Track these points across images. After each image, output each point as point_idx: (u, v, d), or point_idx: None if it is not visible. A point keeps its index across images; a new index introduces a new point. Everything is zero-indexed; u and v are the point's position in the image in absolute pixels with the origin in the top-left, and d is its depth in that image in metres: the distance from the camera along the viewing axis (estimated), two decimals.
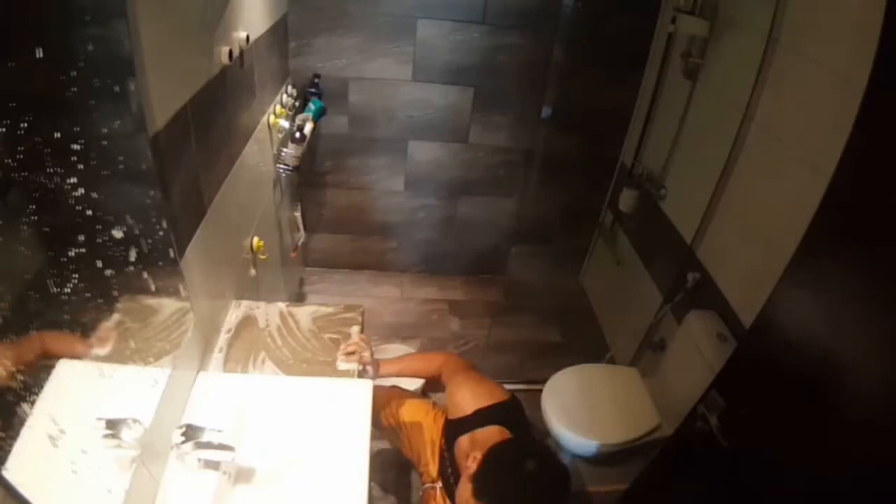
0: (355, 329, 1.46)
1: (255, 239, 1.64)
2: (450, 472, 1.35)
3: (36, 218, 0.68)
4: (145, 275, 0.92)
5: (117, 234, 0.83)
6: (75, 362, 0.76)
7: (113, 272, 0.83)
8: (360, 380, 1.29)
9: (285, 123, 1.90)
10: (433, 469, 1.41)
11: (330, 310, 1.52)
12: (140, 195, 0.91)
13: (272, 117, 1.85)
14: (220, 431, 0.95)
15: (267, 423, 1.14)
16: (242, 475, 1.03)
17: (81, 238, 0.75)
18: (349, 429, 1.15)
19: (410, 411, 1.50)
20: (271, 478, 1.04)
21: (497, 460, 1.13)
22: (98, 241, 0.78)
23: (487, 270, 3.05)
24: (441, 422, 1.45)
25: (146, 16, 0.84)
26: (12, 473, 0.59)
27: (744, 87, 1.69)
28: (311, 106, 2.12)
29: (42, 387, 0.68)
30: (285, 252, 2.32)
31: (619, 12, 2.29)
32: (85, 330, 0.79)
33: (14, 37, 0.61)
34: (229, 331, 1.40)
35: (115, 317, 0.87)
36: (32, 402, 0.65)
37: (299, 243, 2.55)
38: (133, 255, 0.87)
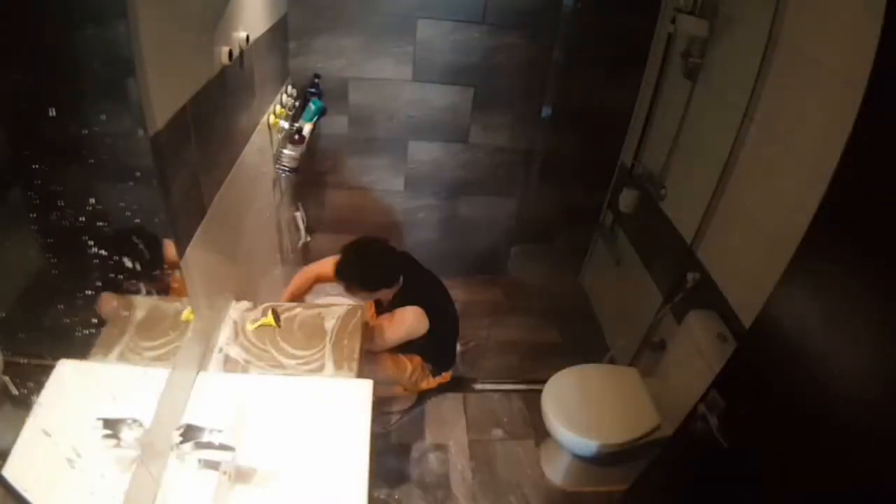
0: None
1: None
2: None
3: (36, 218, 0.68)
4: (145, 275, 0.91)
5: (117, 234, 0.83)
6: (75, 362, 0.76)
7: (113, 272, 0.83)
8: (361, 380, 1.29)
9: (285, 124, 1.91)
10: None
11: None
12: (140, 195, 0.91)
13: (272, 117, 1.85)
14: (219, 431, 0.95)
15: (267, 423, 1.14)
16: (242, 475, 1.03)
17: (81, 238, 0.75)
18: (349, 429, 1.15)
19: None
20: (271, 478, 1.04)
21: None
22: (98, 240, 0.78)
23: (487, 270, 3.05)
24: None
25: (146, 16, 0.84)
26: (12, 473, 0.59)
27: (744, 87, 1.69)
28: (311, 106, 2.12)
29: (42, 386, 0.67)
30: (285, 252, 2.32)
31: (618, 12, 2.29)
32: (85, 329, 0.79)
33: (15, 37, 0.61)
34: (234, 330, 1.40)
35: (115, 317, 0.87)
36: (33, 402, 0.65)
37: (300, 245, 2.55)
38: (133, 255, 0.87)
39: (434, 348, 2.06)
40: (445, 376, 2.17)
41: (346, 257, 1.82)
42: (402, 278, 1.89)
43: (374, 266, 1.81)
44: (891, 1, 0.82)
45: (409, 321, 1.84)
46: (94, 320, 0.80)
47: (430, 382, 2.14)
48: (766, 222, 1.61)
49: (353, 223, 2.81)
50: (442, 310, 2.03)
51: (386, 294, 1.91)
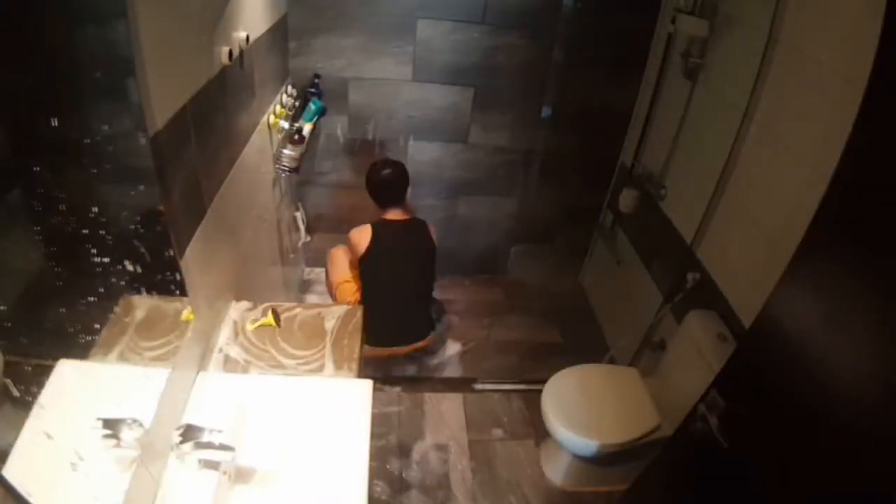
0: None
1: None
2: None
3: (36, 218, 0.68)
4: (145, 275, 0.91)
5: (117, 233, 0.83)
6: (75, 362, 0.76)
7: (113, 272, 0.83)
8: (361, 380, 1.29)
9: (285, 124, 1.91)
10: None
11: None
12: (140, 195, 0.91)
13: (272, 117, 1.85)
14: (219, 431, 0.95)
15: (267, 423, 1.14)
16: (242, 475, 1.03)
17: (81, 238, 0.75)
18: (349, 429, 1.15)
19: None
20: (271, 478, 1.04)
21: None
22: (98, 241, 0.78)
23: (487, 270, 3.05)
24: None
25: (146, 16, 0.84)
26: (12, 473, 0.59)
27: (744, 87, 1.69)
28: (311, 106, 2.12)
29: (42, 386, 0.67)
30: (285, 252, 2.32)
31: (618, 12, 2.29)
32: (85, 330, 0.79)
33: (15, 37, 0.61)
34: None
35: (115, 317, 0.87)
36: (32, 403, 0.65)
37: (300, 245, 2.54)
38: (133, 255, 0.87)
39: (364, 303, 2.15)
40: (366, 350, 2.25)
41: (382, 160, 2.23)
42: (385, 208, 2.17)
43: (379, 178, 2.15)
44: (891, 1, 0.82)
45: (355, 229, 2.17)
46: (97, 325, 0.80)
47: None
48: (766, 222, 1.61)
49: (352, 223, 2.80)
50: (381, 270, 2.16)
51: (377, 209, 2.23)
